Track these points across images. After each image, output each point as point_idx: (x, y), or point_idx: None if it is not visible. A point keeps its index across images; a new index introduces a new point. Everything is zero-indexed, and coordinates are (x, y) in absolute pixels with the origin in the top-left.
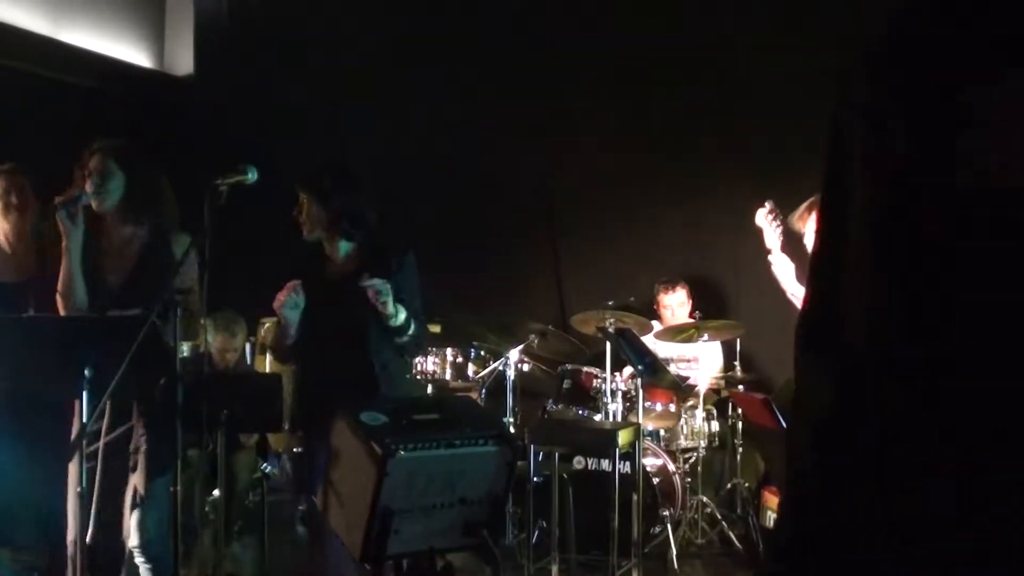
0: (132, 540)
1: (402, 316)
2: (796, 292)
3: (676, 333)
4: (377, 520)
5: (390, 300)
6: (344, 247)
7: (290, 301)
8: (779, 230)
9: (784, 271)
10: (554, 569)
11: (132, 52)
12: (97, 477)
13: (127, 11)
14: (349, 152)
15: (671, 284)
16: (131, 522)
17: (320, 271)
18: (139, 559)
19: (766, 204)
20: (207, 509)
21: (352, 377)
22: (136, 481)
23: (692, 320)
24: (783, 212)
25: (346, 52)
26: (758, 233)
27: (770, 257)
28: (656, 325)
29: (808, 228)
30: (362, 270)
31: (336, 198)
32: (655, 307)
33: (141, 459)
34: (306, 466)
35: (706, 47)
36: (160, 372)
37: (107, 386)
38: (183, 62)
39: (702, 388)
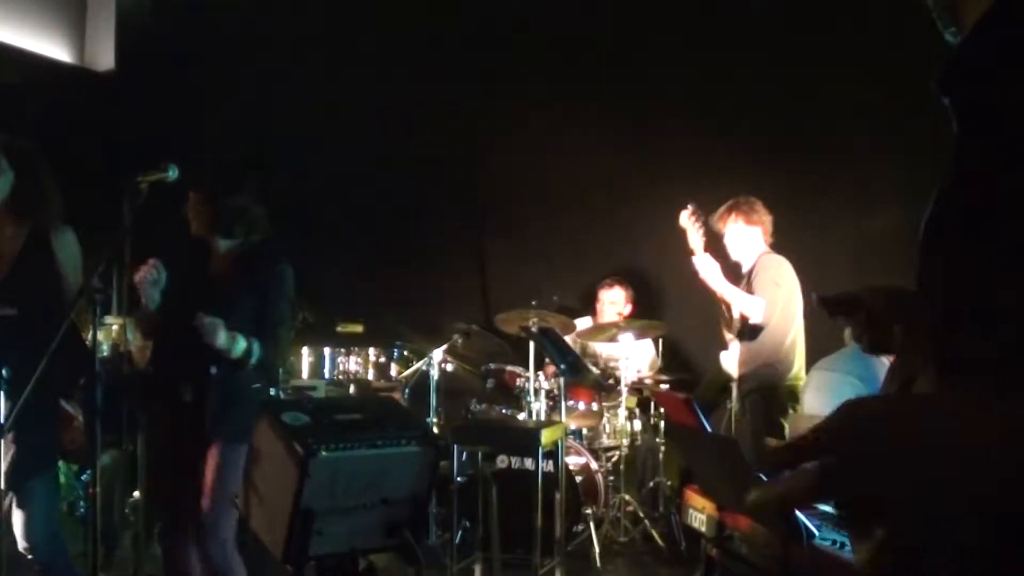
0: (19, 543)
1: (239, 348)
2: (724, 291)
3: (599, 332)
4: (299, 521)
5: (219, 338)
6: (224, 244)
7: (150, 277)
8: (702, 231)
9: (710, 271)
10: (477, 569)
11: (52, 47)
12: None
13: (47, 5)
14: (273, 149)
15: (610, 282)
16: (15, 525)
17: (204, 268)
18: (32, 562)
19: (688, 206)
20: (127, 511)
21: (190, 372)
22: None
23: (615, 320)
24: (704, 213)
25: (271, 48)
26: (682, 234)
27: (694, 258)
28: (580, 323)
29: (728, 229)
30: (232, 273)
31: (218, 196)
32: (596, 303)
33: (9, 458)
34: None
35: (633, 47)
36: (75, 371)
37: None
38: (104, 57)
39: (625, 386)
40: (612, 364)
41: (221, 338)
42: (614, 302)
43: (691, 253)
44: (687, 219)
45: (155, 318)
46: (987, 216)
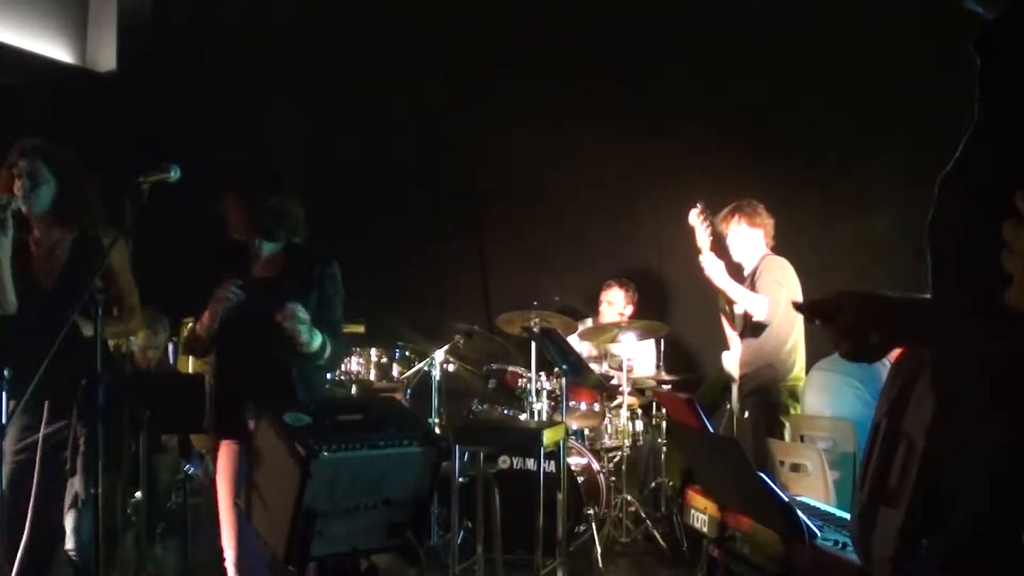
0: (68, 543)
1: (316, 342)
2: (728, 288)
3: (600, 333)
4: (300, 522)
5: (305, 329)
6: (267, 247)
7: (231, 296)
8: (709, 230)
9: (715, 270)
10: (479, 569)
11: (54, 48)
12: (35, 478)
13: (49, 6)
14: (274, 150)
15: (610, 282)
16: (68, 525)
17: (244, 271)
18: (76, 560)
19: (697, 205)
20: (129, 511)
21: (268, 379)
22: (76, 484)
23: (617, 320)
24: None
25: (272, 49)
26: (686, 234)
27: (700, 257)
28: (581, 324)
29: (731, 231)
30: (285, 274)
31: (259, 197)
32: (595, 303)
33: (80, 461)
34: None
35: (634, 48)
36: (82, 372)
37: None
38: (106, 58)
39: (627, 387)
40: (614, 364)
41: (304, 327)
42: (612, 302)
43: (698, 251)
44: (696, 217)
45: (207, 343)
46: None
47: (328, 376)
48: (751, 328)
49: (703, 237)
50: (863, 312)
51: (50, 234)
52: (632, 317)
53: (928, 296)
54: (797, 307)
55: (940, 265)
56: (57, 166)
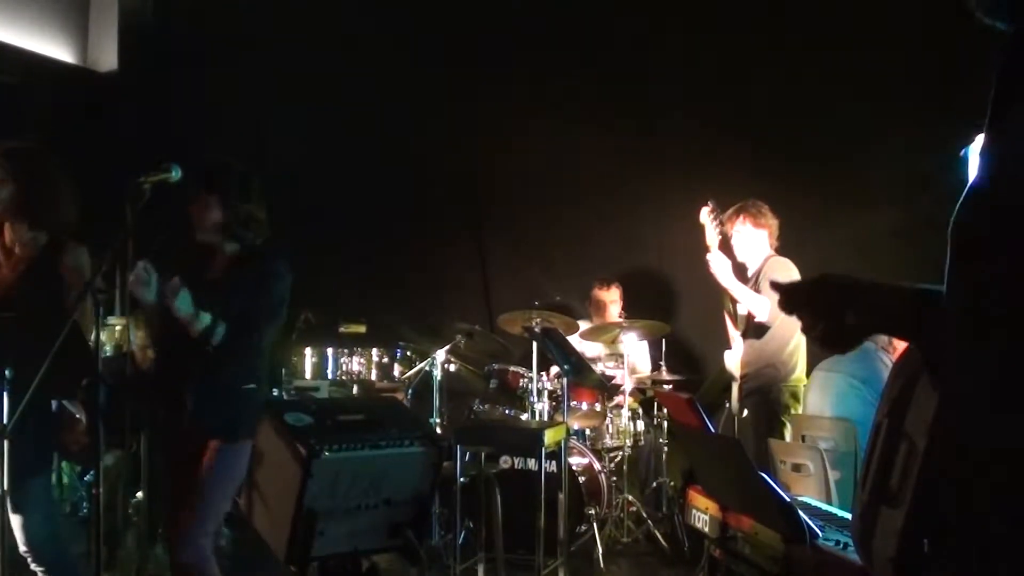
0: (20, 546)
1: (204, 321)
2: (733, 288)
3: (601, 333)
4: (302, 521)
5: (180, 301)
6: (229, 248)
7: (140, 278)
8: (718, 229)
9: (722, 269)
10: (480, 569)
11: (55, 47)
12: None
13: (49, 5)
14: (274, 150)
15: (606, 282)
16: (14, 525)
17: (202, 270)
18: (33, 565)
19: (708, 203)
20: (130, 511)
21: (189, 378)
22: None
23: (618, 320)
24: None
25: (272, 49)
26: (686, 234)
27: (708, 256)
28: (584, 324)
29: (735, 231)
30: (231, 273)
31: (235, 201)
32: (587, 304)
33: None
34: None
35: (634, 47)
36: (79, 372)
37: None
38: (107, 58)
39: (627, 387)
40: (610, 365)
41: (182, 302)
42: (614, 301)
43: (706, 249)
44: (706, 215)
45: (153, 315)
46: None
47: (249, 387)
48: (753, 328)
49: (712, 235)
50: (838, 293)
51: (16, 233)
52: (621, 314)
53: (911, 285)
54: (772, 286)
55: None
56: (22, 168)
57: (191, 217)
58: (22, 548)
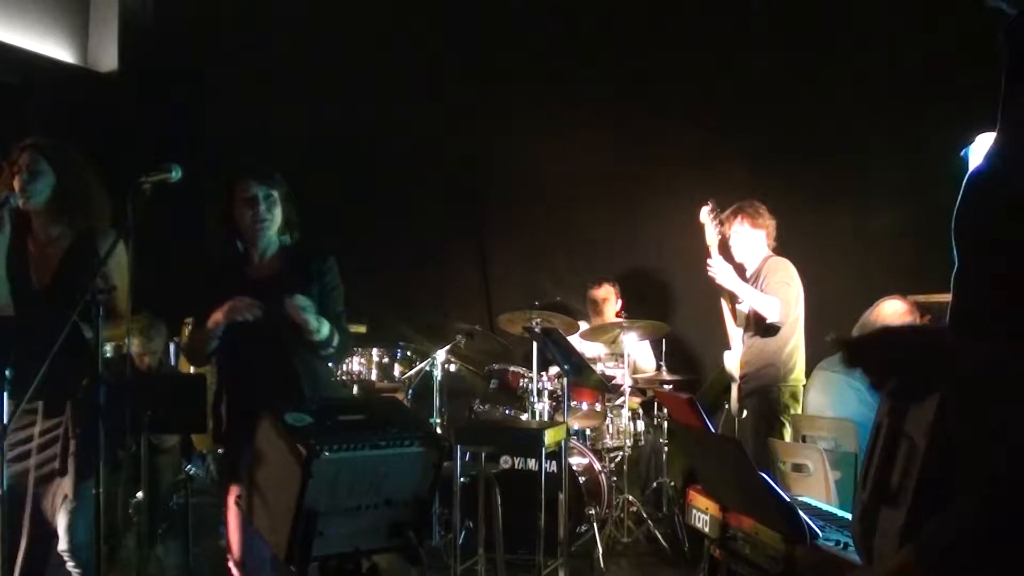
0: (62, 544)
1: (325, 330)
2: (740, 291)
3: (601, 333)
4: (302, 522)
5: (312, 316)
6: (267, 249)
7: (251, 314)
8: (718, 229)
9: (724, 273)
10: (481, 569)
11: (55, 48)
12: (31, 479)
13: (50, 6)
14: (274, 150)
15: (597, 281)
16: (60, 525)
17: (239, 272)
18: (69, 563)
19: (708, 202)
20: (131, 511)
21: (275, 381)
22: (65, 484)
23: (618, 320)
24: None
25: (272, 49)
26: (686, 234)
27: (709, 262)
28: (584, 324)
29: (733, 231)
30: (283, 273)
31: (291, 199)
32: (585, 306)
33: (71, 461)
34: (228, 470)
35: (634, 47)
36: (82, 372)
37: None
38: (107, 58)
39: (627, 387)
40: (610, 364)
41: (311, 315)
42: (606, 299)
43: (706, 249)
44: (706, 215)
45: (209, 354)
46: None
47: (333, 371)
48: (755, 328)
49: (712, 235)
50: (906, 349)
51: (48, 230)
52: (620, 314)
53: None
54: (838, 344)
55: (967, 260)
56: (56, 161)
57: (234, 219)
58: (63, 547)
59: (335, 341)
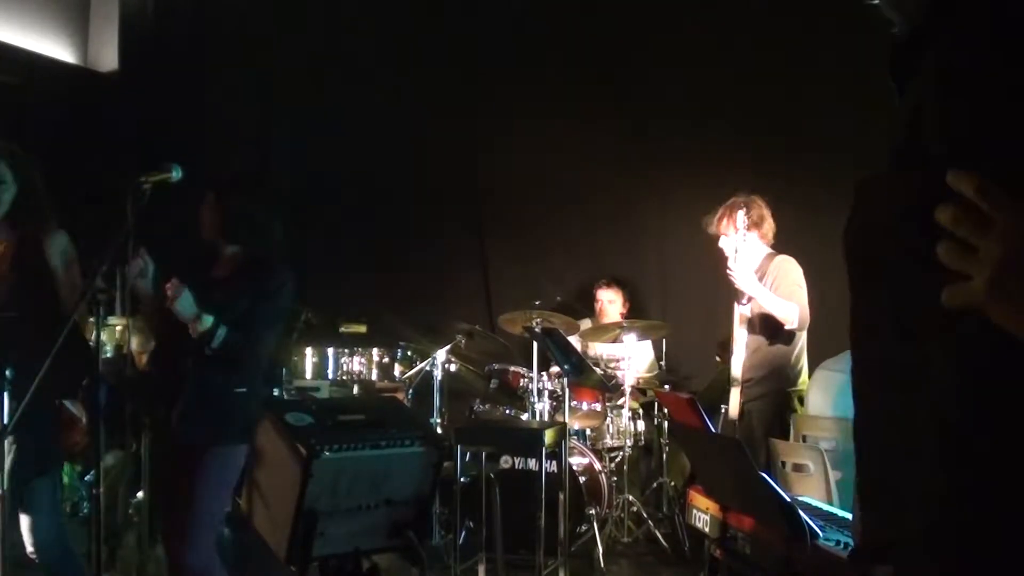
0: (28, 546)
1: (207, 322)
2: (759, 295)
3: (602, 332)
4: (302, 522)
5: (183, 301)
6: (229, 249)
7: (137, 269)
8: (744, 235)
9: (747, 278)
10: (481, 569)
11: (56, 47)
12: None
13: (50, 5)
14: (274, 150)
15: (606, 282)
16: (23, 527)
17: (209, 269)
18: (43, 568)
19: (742, 205)
20: (131, 511)
21: (183, 378)
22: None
23: (619, 320)
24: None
25: (272, 50)
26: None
27: (730, 265)
28: (584, 324)
29: (725, 231)
30: (233, 275)
31: (233, 202)
32: (592, 303)
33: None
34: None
35: (633, 47)
36: (78, 372)
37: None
38: (108, 58)
39: (628, 387)
40: (611, 365)
41: (184, 303)
42: (612, 301)
43: (723, 255)
44: (742, 219)
45: (153, 314)
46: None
47: (241, 391)
48: (762, 331)
49: (735, 241)
50: None
51: (5, 235)
52: (624, 316)
53: None
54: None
55: (856, 270)
56: (19, 169)
57: (199, 217)
58: (29, 549)
59: (216, 342)
